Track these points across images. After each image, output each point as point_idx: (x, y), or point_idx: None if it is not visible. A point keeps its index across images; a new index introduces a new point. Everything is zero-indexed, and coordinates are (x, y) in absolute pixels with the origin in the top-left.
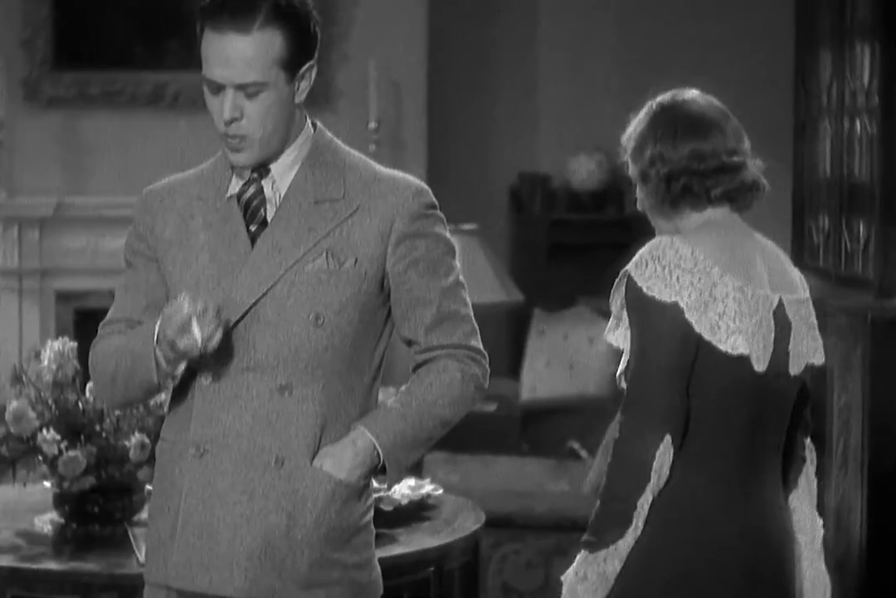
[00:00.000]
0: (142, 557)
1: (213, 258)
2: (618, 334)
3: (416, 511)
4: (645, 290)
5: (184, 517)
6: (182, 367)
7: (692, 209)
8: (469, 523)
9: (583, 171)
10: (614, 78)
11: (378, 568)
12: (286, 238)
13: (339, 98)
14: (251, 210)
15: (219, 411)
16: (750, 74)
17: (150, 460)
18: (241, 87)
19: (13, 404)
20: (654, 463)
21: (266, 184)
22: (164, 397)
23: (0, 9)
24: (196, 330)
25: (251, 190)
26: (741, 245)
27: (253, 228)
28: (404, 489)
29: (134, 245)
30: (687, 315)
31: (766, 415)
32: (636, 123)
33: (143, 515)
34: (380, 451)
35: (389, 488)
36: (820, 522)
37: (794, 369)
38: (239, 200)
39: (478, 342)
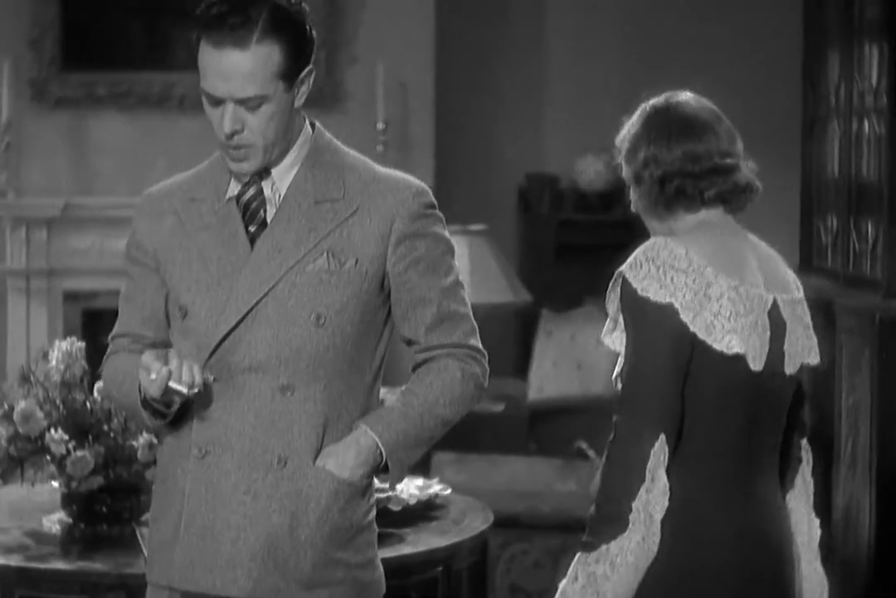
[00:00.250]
0: None
1: (213, 259)
2: (614, 337)
3: (424, 511)
4: (640, 291)
5: (186, 518)
6: (175, 407)
7: (686, 211)
8: (477, 523)
9: (590, 171)
10: (621, 79)
11: (381, 567)
12: (287, 238)
13: (347, 99)
14: (250, 211)
15: (221, 412)
16: (758, 75)
17: None
18: (241, 102)
19: (21, 404)
20: (649, 463)
21: (266, 185)
22: None
23: (8, 9)
24: (177, 386)
25: (251, 191)
26: (735, 246)
27: (252, 228)
28: (412, 489)
29: (131, 253)
30: (682, 316)
31: (762, 415)
32: (629, 125)
33: None
34: (382, 450)
35: (391, 487)
36: (817, 522)
37: (790, 368)
38: (238, 202)
39: (477, 341)
